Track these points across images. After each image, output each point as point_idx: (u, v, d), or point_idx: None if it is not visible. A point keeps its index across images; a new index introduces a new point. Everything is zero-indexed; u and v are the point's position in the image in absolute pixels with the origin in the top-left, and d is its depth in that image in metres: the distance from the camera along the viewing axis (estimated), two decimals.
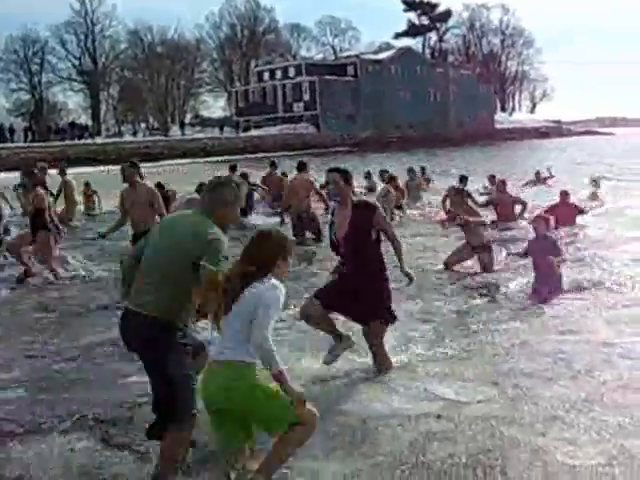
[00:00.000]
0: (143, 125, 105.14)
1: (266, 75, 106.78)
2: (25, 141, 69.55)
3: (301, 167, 17.61)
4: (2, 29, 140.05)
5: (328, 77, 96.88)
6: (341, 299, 7.32)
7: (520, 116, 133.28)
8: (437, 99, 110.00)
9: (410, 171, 24.98)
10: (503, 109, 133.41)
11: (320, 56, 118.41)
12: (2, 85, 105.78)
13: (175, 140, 78.02)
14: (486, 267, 12.80)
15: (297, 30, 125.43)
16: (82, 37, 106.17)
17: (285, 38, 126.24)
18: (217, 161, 58.76)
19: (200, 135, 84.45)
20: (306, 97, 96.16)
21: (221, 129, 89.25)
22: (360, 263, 7.28)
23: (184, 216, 5.39)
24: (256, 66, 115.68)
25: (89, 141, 73.52)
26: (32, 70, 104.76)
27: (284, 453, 4.88)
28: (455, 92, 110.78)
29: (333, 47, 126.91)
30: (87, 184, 24.59)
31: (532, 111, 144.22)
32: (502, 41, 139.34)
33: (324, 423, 5.60)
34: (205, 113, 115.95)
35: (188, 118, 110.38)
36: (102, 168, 47.98)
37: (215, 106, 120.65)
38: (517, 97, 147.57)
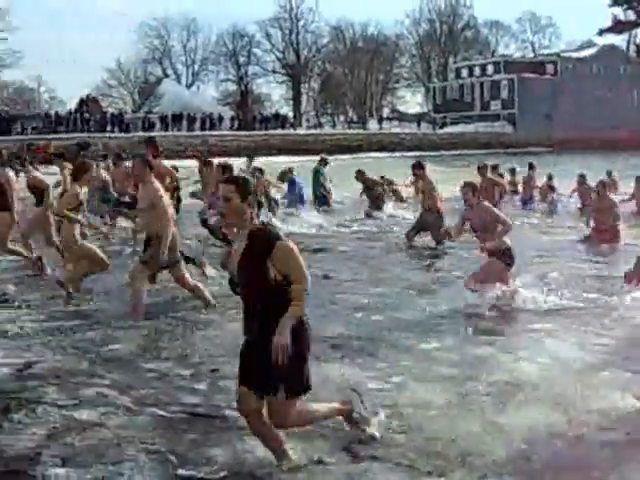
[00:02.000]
0: (342, 118, 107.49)
1: (464, 72, 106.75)
2: (231, 129, 72.54)
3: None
4: (215, 25, 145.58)
5: (527, 75, 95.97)
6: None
7: None
8: None
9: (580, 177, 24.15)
10: None
11: (519, 53, 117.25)
12: (212, 76, 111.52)
13: (372, 134, 79.58)
14: None
15: (496, 27, 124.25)
16: (287, 32, 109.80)
17: (483, 35, 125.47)
18: (413, 156, 59.69)
19: (397, 130, 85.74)
20: (504, 95, 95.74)
21: (418, 124, 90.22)
22: (257, 314, 5.19)
23: None
24: (454, 62, 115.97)
25: (290, 131, 76.19)
26: (240, 62, 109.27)
27: None
28: None
29: (532, 44, 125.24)
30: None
31: None
32: None
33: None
34: (402, 108, 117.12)
35: (386, 112, 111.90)
36: (300, 158, 49.44)
37: (412, 101, 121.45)
38: None
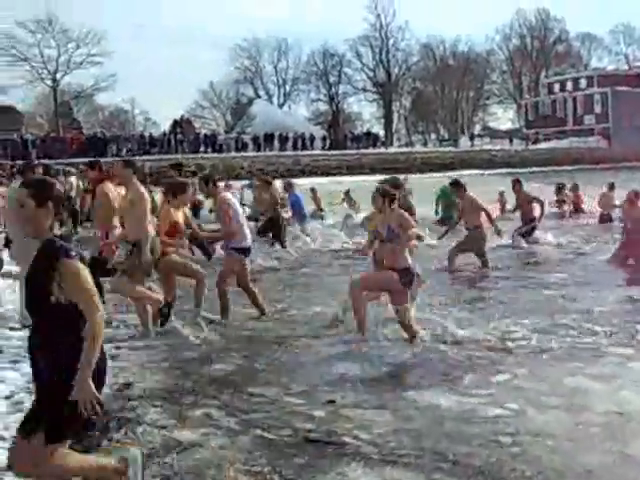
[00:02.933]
0: (433, 136, 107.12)
1: (556, 87, 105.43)
2: (323, 149, 72.81)
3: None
4: (305, 45, 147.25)
5: (621, 88, 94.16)
6: None
7: None
8: None
9: None
10: None
11: (612, 66, 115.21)
12: (304, 96, 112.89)
13: (464, 151, 79.07)
14: None
15: (588, 39, 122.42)
16: (377, 50, 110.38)
17: (575, 48, 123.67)
18: (506, 173, 59.05)
19: (489, 147, 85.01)
20: (597, 109, 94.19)
21: (510, 141, 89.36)
22: (38, 334, 4.57)
23: None
24: (546, 77, 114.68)
25: (382, 150, 76.17)
26: (330, 82, 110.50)
27: None
28: None
29: (626, 56, 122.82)
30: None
31: None
32: None
33: None
34: (494, 124, 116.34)
35: (477, 129, 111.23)
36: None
37: (504, 118, 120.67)
38: None
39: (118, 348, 9.23)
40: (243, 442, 6.20)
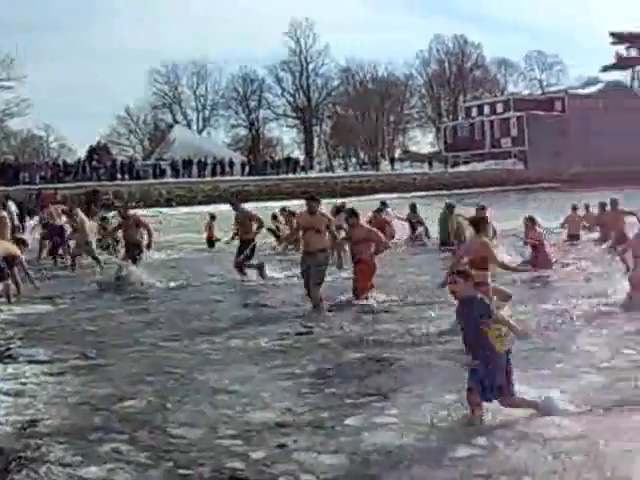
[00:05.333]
0: (354, 160, 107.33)
1: (474, 111, 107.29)
2: (242, 174, 72.53)
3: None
4: (224, 69, 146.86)
5: (536, 112, 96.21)
6: None
7: None
8: None
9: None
10: None
11: (527, 91, 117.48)
12: (223, 121, 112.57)
13: (385, 175, 79.65)
14: None
15: (504, 65, 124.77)
16: (297, 75, 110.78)
17: (492, 73, 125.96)
18: (425, 196, 59.62)
19: (409, 170, 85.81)
20: (514, 133, 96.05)
21: (430, 164, 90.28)
22: None
23: None
24: (464, 101, 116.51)
25: (302, 175, 76.17)
26: (250, 107, 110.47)
27: None
28: None
29: (540, 82, 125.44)
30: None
31: None
32: None
33: None
34: (414, 148, 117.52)
35: (397, 153, 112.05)
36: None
37: (424, 141, 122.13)
38: None
39: (24, 384, 8.84)
40: (153, 477, 5.91)
